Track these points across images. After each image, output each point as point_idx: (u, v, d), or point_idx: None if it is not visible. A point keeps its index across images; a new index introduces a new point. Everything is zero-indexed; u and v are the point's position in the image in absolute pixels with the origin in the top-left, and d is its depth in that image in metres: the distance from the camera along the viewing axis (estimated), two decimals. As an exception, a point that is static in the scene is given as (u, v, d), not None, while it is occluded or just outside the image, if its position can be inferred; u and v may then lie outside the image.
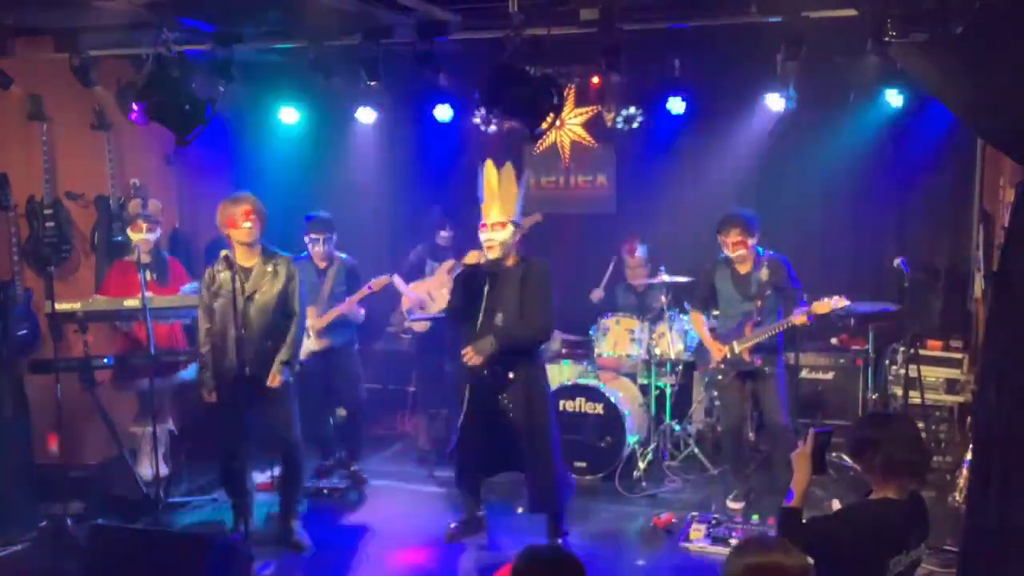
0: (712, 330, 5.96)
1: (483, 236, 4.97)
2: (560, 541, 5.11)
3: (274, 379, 5.08)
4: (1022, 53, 3.54)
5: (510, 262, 4.99)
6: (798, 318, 5.50)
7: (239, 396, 4.98)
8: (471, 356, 4.90)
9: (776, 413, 5.71)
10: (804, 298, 5.66)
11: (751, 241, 5.63)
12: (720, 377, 5.83)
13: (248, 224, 5.03)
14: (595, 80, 6.73)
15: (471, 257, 4.97)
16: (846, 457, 5.71)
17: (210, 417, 5.30)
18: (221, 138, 6.63)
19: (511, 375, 4.96)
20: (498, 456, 5.13)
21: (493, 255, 4.93)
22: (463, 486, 5.36)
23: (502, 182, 4.98)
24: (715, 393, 6.15)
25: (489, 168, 5.02)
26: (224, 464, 5.29)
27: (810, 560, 2.60)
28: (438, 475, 6.36)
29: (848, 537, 3.01)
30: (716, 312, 6.02)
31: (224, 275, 5.06)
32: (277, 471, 5.49)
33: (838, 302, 5.48)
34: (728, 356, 5.75)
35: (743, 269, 5.72)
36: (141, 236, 5.97)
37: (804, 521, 3.14)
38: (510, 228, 4.95)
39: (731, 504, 5.84)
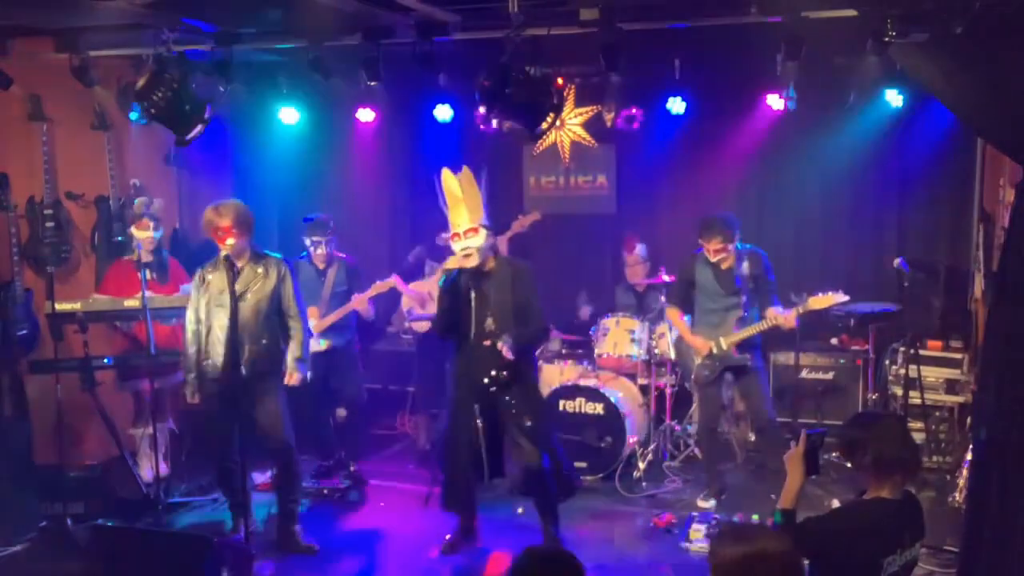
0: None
1: (458, 245, 4.88)
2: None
3: (291, 377, 5.12)
4: (1022, 53, 3.54)
5: (490, 265, 4.97)
6: (785, 319, 5.49)
7: (227, 395, 4.98)
8: (507, 351, 4.79)
9: (764, 409, 5.76)
10: (777, 296, 5.68)
11: (731, 245, 5.65)
12: (706, 373, 5.82)
13: (231, 240, 4.97)
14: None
15: (452, 261, 4.92)
16: (846, 457, 5.71)
17: (203, 418, 5.30)
18: (221, 138, 6.64)
19: (506, 375, 4.92)
20: (494, 457, 5.09)
21: (472, 263, 4.86)
22: (456, 503, 5.23)
23: (464, 187, 4.92)
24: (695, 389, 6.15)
25: (447, 176, 4.95)
26: (218, 464, 5.29)
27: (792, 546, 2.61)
28: (438, 475, 6.35)
29: (842, 537, 3.01)
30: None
31: (213, 276, 5.06)
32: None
33: (839, 296, 5.47)
34: (714, 351, 5.75)
35: (725, 264, 5.72)
36: (147, 234, 5.98)
37: (799, 521, 3.14)
38: (483, 232, 4.88)
39: (701, 503, 5.84)
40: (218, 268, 5.07)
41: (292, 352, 5.16)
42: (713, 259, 5.67)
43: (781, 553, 2.50)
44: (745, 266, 5.66)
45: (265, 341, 5.10)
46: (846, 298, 5.53)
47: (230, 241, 4.97)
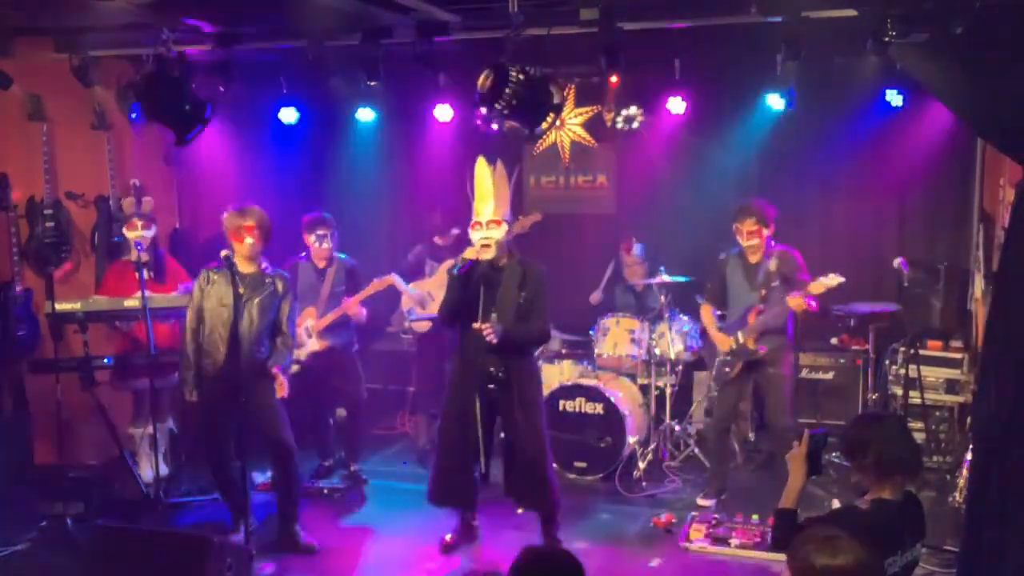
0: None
1: (478, 234, 4.89)
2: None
3: (282, 388, 5.12)
4: (1022, 53, 3.55)
5: (503, 262, 4.96)
6: (793, 300, 5.48)
7: (225, 397, 4.99)
8: (490, 331, 4.77)
9: (783, 415, 5.73)
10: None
11: (765, 231, 5.65)
12: (727, 370, 5.83)
13: (250, 240, 5.06)
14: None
15: (470, 252, 4.93)
16: (846, 457, 5.70)
17: (200, 418, 5.30)
18: (221, 138, 6.63)
19: (505, 373, 4.91)
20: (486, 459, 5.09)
21: (489, 254, 4.85)
22: (449, 498, 5.21)
23: (496, 180, 4.94)
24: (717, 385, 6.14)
25: (481, 165, 4.96)
26: (214, 466, 5.29)
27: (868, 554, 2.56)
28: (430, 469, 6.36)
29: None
30: (723, 312, 6.02)
31: (218, 277, 5.08)
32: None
33: (832, 279, 5.44)
34: (734, 346, 5.75)
35: (753, 259, 5.73)
36: (137, 234, 5.97)
37: (800, 522, 3.14)
38: (504, 226, 4.90)
39: (701, 501, 5.85)
40: (222, 273, 5.08)
41: (275, 362, 5.15)
42: (746, 242, 5.66)
43: (869, 564, 2.46)
44: (772, 263, 5.64)
45: (263, 347, 5.13)
46: (842, 279, 5.48)
47: (249, 240, 5.04)
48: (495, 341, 4.78)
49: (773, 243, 5.74)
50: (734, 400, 5.95)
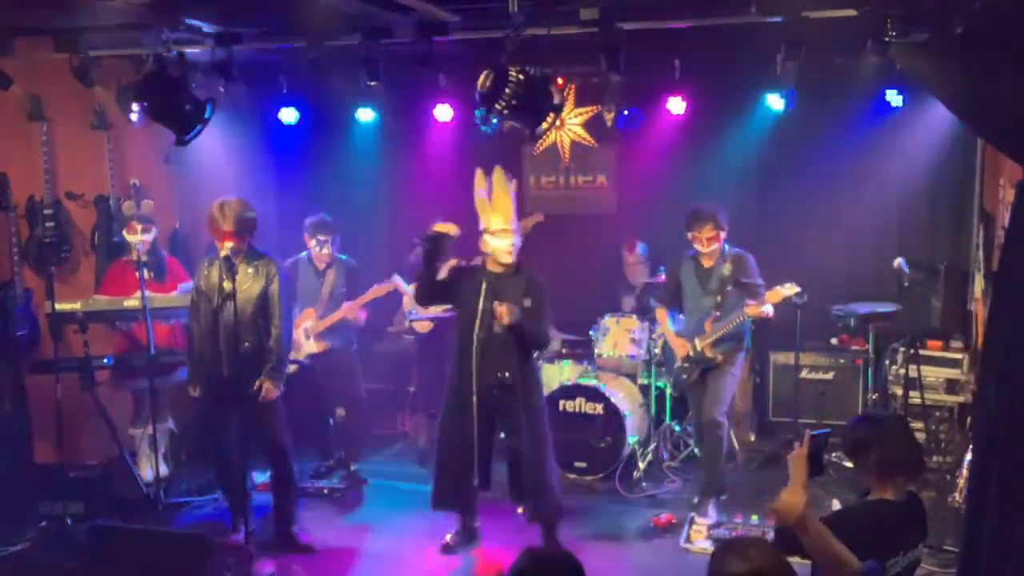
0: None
1: (504, 242, 4.95)
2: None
3: (267, 393, 5.05)
4: (1022, 53, 3.54)
5: (508, 271, 5.02)
6: (752, 308, 5.49)
7: (225, 393, 4.98)
8: (504, 312, 4.79)
9: (713, 405, 5.66)
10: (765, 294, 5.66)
11: (723, 235, 5.63)
12: (685, 376, 5.82)
13: (230, 244, 4.99)
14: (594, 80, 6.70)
15: (441, 226, 4.98)
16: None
17: (201, 415, 5.30)
18: (221, 138, 6.63)
19: (511, 378, 4.94)
20: (485, 464, 5.10)
21: (508, 260, 4.97)
22: (448, 503, 5.22)
23: (497, 190, 4.99)
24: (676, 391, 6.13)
25: (499, 175, 5.03)
26: (214, 465, 5.28)
27: (789, 561, 2.59)
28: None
29: (845, 538, 2.99)
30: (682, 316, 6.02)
31: (210, 271, 5.08)
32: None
33: (789, 289, 5.45)
34: (691, 353, 5.74)
35: (707, 263, 5.70)
36: (137, 237, 5.97)
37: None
38: (515, 234, 5.00)
39: (699, 520, 5.80)
40: (215, 264, 5.07)
41: (267, 361, 5.08)
42: (706, 248, 5.62)
43: (780, 570, 2.48)
44: (726, 267, 5.63)
45: (248, 344, 5.04)
46: (797, 289, 5.50)
47: (229, 244, 5.00)
48: (507, 321, 4.80)
49: (728, 247, 5.73)
50: (701, 400, 5.93)
